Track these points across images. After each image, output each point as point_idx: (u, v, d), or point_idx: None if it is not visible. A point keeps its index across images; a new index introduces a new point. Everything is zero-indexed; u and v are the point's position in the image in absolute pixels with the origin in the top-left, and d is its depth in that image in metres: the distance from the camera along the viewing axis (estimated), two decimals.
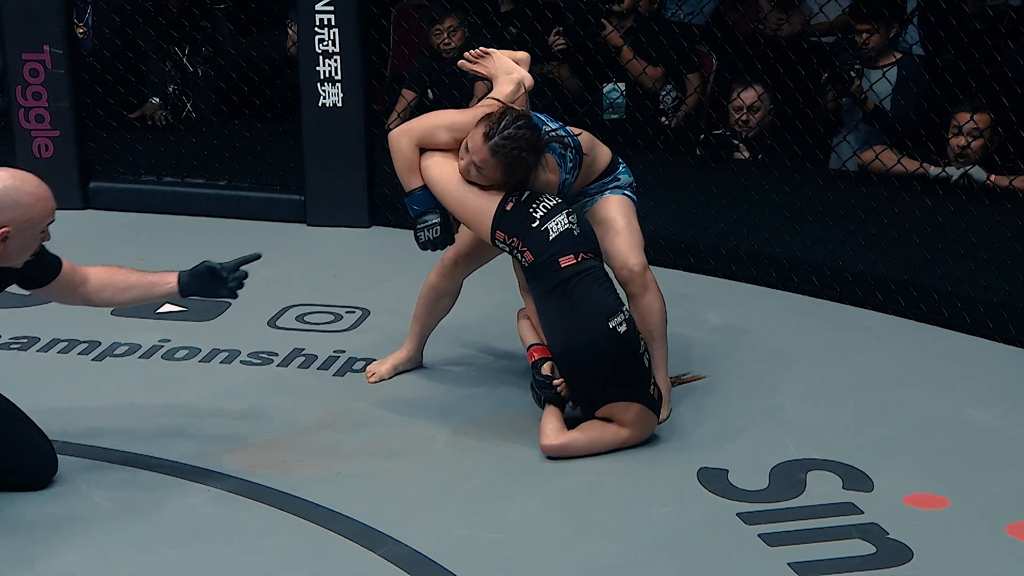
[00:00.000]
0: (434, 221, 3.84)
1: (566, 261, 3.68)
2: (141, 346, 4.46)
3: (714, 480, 3.58)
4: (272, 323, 4.70)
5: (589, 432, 3.73)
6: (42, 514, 3.37)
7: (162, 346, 4.47)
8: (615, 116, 6.17)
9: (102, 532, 3.30)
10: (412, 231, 3.88)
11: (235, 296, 3.64)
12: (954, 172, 5.46)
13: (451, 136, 3.83)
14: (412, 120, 3.96)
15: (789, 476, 3.60)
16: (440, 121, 3.88)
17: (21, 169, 3.32)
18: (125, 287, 3.58)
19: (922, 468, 3.66)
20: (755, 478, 3.59)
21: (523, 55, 4.11)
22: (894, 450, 3.78)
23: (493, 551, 3.25)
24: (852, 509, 3.43)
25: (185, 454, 3.68)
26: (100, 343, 4.47)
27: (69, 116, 5.94)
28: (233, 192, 6.02)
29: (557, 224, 3.71)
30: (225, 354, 4.42)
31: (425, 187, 3.83)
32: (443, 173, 3.81)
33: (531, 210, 3.73)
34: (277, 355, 4.42)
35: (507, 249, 3.76)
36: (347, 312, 4.81)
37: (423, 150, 3.84)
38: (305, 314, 4.78)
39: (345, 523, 3.34)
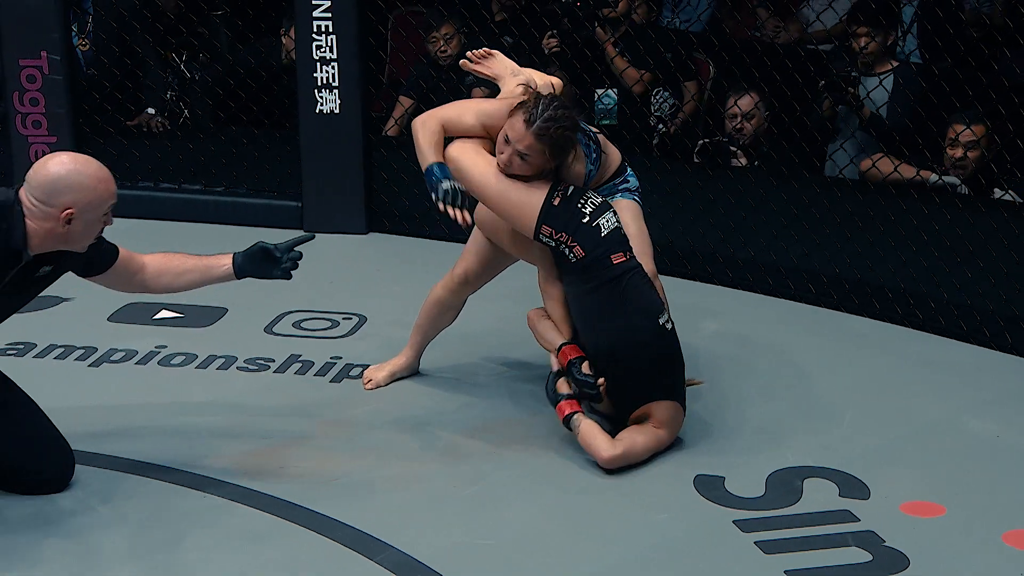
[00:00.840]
0: (450, 185, 3.71)
1: (618, 258, 3.69)
2: (138, 352, 4.46)
3: (710, 487, 3.58)
4: (269, 329, 4.70)
5: (637, 436, 3.69)
6: (37, 520, 3.37)
7: (159, 352, 4.46)
8: (607, 122, 6.18)
9: (98, 538, 3.30)
10: (433, 197, 3.75)
11: (289, 277, 3.65)
12: (955, 181, 5.47)
13: (478, 121, 3.78)
14: (436, 108, 3.89)
15: (785, 483, 3.60)
16: (467, 106, 3.86)
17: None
18: (182, 271, 3.61)
19: (919, 476, 3.67)
20: (751, 485, 3.59)
21: (557, 82, 4.07)
22: (891, 458, 3.78)
23: (490, 558, 3.25)
24: (848, 517, 3.43)
25: (181, 461, 3.67)
26: (96, 349, 4.47)
27: (66, 122, 5.95)
28: (230, 198, 6.02)
29: (607, 221, 3.71)
30: (222, 360, 4.42)
31: (442, 163, 3.75)
32: (477, 166, 3.75)
33: (579, 206, 3.72)
34: (274, 361, 4.42)
35: (552, 244, 3.72)
36: (344, 319, 4.80)
37: (447, 141, 3.80)
38: (302, 320, 4.78)
39: (342, 530, 3.34)
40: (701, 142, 6.06)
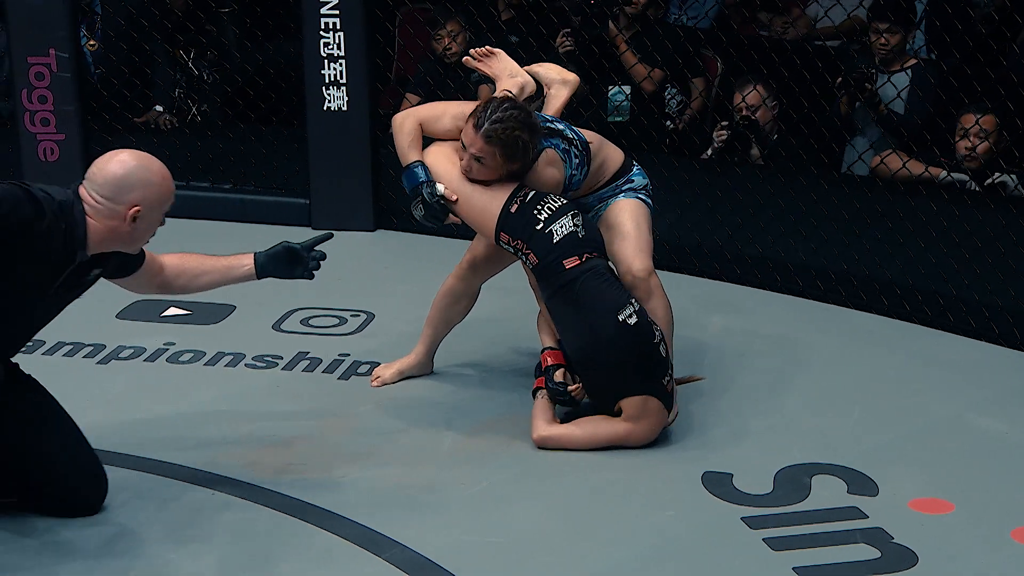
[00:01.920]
0: (428, 192, 3.79)
1: (570, 262, 3.69)
2: (146, 349, 4.46)
3: (719, 484, 3.58)
4: (277, 327, 4.71)
5: (585, 425, 3.74)
6: (43, 516, 3.37)
7: (167, 349, 4.47)
8: (619, 119, 6.18)
9: (105, 534, 3.30)
10: (410, 206, 3.86)
11: (312, 276, 3.63)
12: (964, 178, 5.46)
13: (454, 124, 3.84)
14: (415, 107, 4.00)
15: (794, 480, 3.60)
16: (446, 109, 3.91)
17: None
18: (200, 272, 3.58)
19: (927, 473, 3.66)
20: (760, 482, 3.59)
21: (573, 77, 4.09)
22: (899, 455, 3.77)
23: (498, 555, 3.25)
24: (857, 513, 3.43)
25: (189, 458, 3.68)
26: (105, 346, 4.47)
27: (74, 120, 5.95)
28: (238, 196, 6.03)
29: (562, 226, 3.72)
30: (230, 357, 4.42)
31: (422, 162, 3.82)
32: (447, 173, 3.82)
33: (536, 212, 3.73)
34: (282, 358, 4.42)
35: (512, 251, 3.77)
36: (352, 316, 4.81)
37: (425, 143, 3.86)
38: (310, 318, 4.79)
39: (350, 527, 3.34)
40: (723, 123, 6.03)
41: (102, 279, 3.46)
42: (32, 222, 3.05)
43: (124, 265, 3.42)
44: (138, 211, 3.17)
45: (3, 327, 3.22)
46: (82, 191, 3.17)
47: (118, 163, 3.18)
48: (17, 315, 3.25)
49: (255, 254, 3.60)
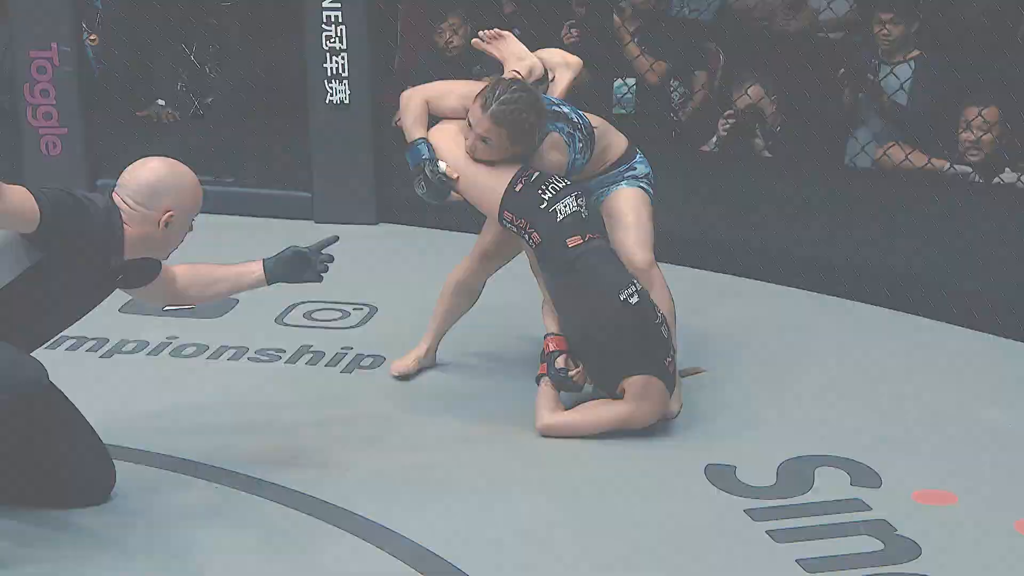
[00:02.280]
0: (430, 169, 3.81)
1: (573, 241, 3.70)
2: (149, 343, 4.47)
3: (722, 476, 3.58)
4: (280, 320, 4.70)
5: (587, 411, 3.75)
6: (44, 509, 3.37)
7: (170, 343, 4.47)
8: (623, 111, 6.18)
9: (107, 527, 3.30)
10: (413, 181, 3.87)
11: (320, 279, 3.66)
12: (967, 170, 5.46)
13: (460, 103, 3.85)
14: (422, 85, 4.00)
15: (797, 472, 3.60)
16: (453, 87, 3.93)
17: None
18: (211, 281, 3.61)
19: (930, 464, 3.66)
20: (763, 474, 3.59)
21: (575, 60, 4.10)
22: (902, 446, 3.77)
23: (501, 547, 3.25)
24: (860, 505, 3.43)
25: (192, 451, 3.68)
26: (108, 340, 4.47)
27: (77, 114, 5.95)
28: (240, 189, 6.02)
29: (565, 206, 3.72)
30: (233, 351, 4.42)
31: (426, 139, 3.83)
32: (450, 152, 3.83)
33: (540, 191, 3.74)
34: (285, 352, 4.42)
35: (515, 230, 3.77)
36: (355, 309, 4.81)
37: (431, 124, 3.87)
38: (313, 311, 4.79)
39: (353, 519, 3.34)
40: (727, 112, 6.02)
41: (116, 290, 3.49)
42: (81, 227, 3.11)
43: (144, 274, 3.46)
44: (171, 216, 3.23)
45: (33, 327, 3.24)
46: (116, 198, 3.23)
47: (149, 170, 3.25)
48: (48, 316, 3.28)
49: (264, 260, 3.62)
